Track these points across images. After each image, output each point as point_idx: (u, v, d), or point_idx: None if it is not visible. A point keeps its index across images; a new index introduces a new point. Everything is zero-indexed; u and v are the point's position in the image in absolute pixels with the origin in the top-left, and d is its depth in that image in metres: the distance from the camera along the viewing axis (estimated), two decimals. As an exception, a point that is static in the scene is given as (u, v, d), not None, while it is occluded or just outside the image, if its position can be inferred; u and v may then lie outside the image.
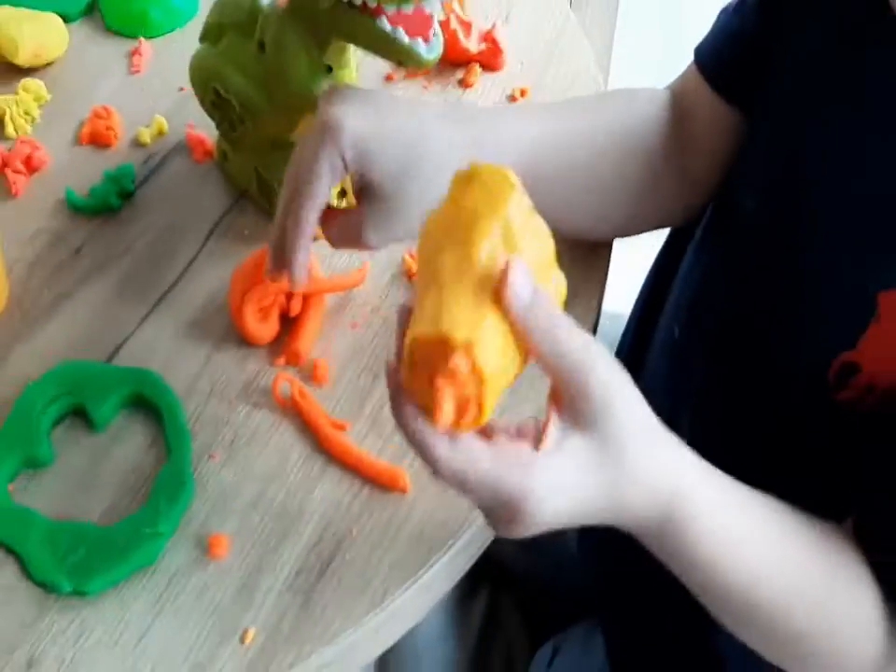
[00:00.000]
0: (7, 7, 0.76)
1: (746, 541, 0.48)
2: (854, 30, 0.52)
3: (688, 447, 0.47)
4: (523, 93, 0.74)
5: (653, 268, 0.77)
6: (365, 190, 0.53)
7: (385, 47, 0.56)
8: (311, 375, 0.59)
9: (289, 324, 0.60)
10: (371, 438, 0.56)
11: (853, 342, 0.51)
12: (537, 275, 0.40)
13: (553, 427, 0.41)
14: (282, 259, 0.54)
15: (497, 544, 0.92)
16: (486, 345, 0.38)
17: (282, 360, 0.59)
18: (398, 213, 0.53)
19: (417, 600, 0.52)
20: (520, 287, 0.38)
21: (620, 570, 0.79)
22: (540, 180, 0.50)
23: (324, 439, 0.56)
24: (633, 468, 0.42)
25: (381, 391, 0.58)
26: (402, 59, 0.56)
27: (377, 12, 0.54)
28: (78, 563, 0.50)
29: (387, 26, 0.55)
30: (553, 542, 0.88)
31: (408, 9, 0.54)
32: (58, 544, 0.51)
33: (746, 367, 0.58)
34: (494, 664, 0.89)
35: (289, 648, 0.49)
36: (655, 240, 0.74)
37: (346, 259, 0.64)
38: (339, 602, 0.50)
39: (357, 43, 0.57)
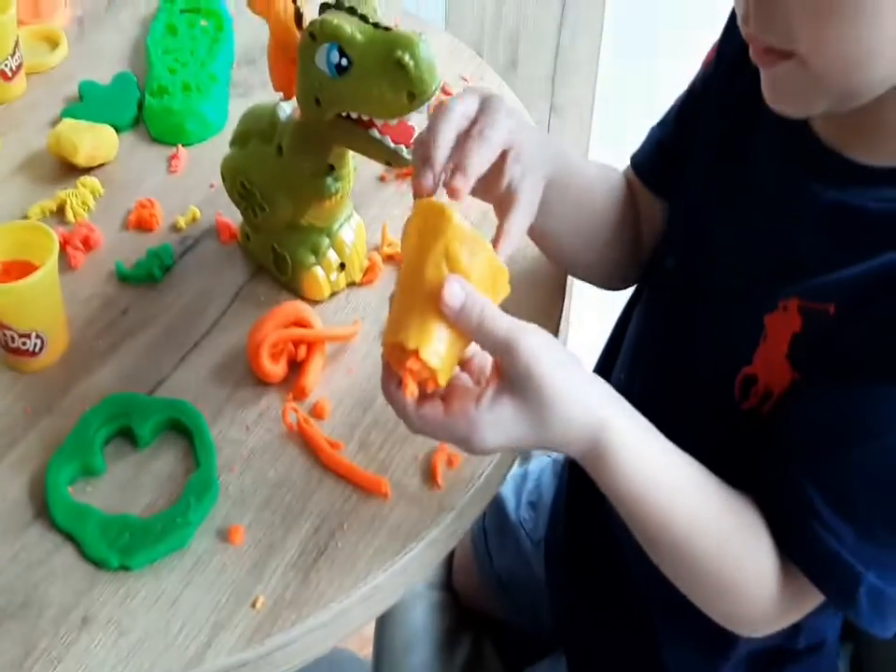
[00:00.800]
0: (69, 119, 0.93)
1: (665, 471, 0.61)
2: (743, 127, 0.70)
3: (619, 396, 0.61)
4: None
5: (612, 331, 0.92)
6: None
7: (375, 151, 0.71)
8: (313, 411, 0.72)
9: (297, 368, 0.75)
10: (360, 456, 0.70)
11: (750, 358, 0.65)
12: (477, 282, 0.55)
13: (490, 390, 0.56)
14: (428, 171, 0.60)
15: (479, 597, 1.03)
16: (431, 347, 0.55)
17: (290, 396, 0.73)
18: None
19: (395, 580, 0.64)
20: (450, 299, 0.54)
21: (581, 604, 0.90)
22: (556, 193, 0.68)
23: (322, 455, 0.69)
24: (557, 410, 0.56)
25: (369, 420, 0.72)
26: (389, 160, 0.72)
27: (369, 125, 0.70)
28: (124, 545, 0.63)
29: (377, 135, 0.70)
30: (528, 591, 0.99)
31: (393, 123, 0.70)
32: (108, 531, 0.64)
33: (673, 394, 0.72)
34: None
35: (291, 611, 0.61)
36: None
37: (344, 316, 0.79)
38: (331, 578, 0.63)
39: (354, 148, 0.73)
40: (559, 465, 1.01)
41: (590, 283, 0.84)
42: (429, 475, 0.68)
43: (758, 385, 0.64)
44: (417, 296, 0.55)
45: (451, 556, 1.10)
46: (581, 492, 0.89)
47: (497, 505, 1.04)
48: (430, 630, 1.02)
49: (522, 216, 0.64)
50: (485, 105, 0.63)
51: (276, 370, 0.73)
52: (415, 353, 0.54)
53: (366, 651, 1.18)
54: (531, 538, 1.01)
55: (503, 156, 0.63)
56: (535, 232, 0.71)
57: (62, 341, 0.76)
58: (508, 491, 1.05)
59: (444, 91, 0.99)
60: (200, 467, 0.68)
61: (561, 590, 0.93)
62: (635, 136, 0.83)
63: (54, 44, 1.05)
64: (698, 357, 0.69)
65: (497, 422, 0.56)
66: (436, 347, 0.55)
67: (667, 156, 0.79)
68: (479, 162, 0.60)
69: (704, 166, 0.73)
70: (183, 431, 0.70)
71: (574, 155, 0.74)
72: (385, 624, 1.04)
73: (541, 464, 1.06)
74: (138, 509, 0.66)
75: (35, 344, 0.73)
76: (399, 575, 0.64)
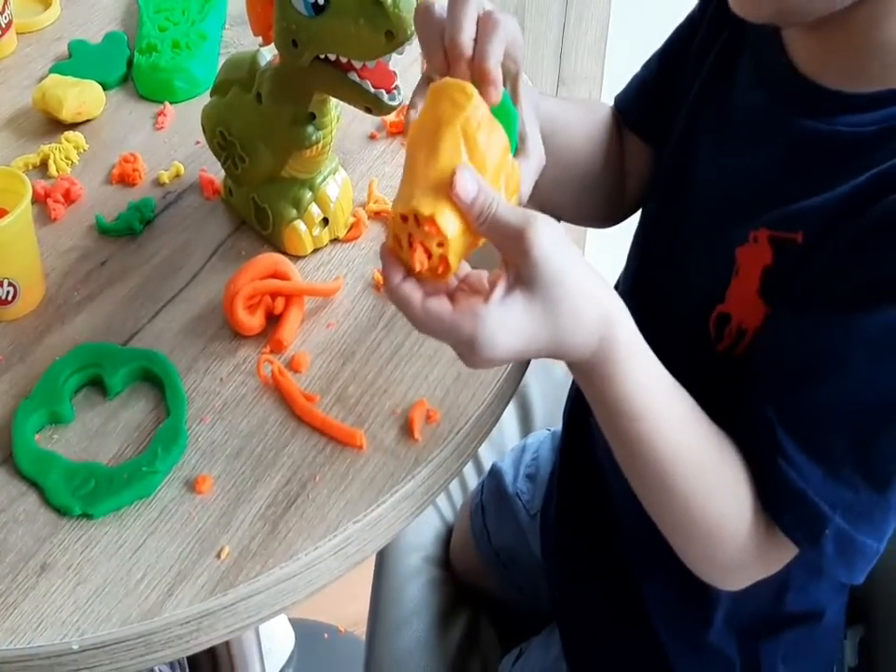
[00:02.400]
0: (56, 75, 0.91)
1: (660, 386, 0.59)
2: (724, 65, 0.69)
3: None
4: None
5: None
6: None
7: (355, 96, 0.69)
8: (290, 363, 0.70)
9: (275, 322, 0.73)
10: (337, 409, 0.67)
11: (722, 295, 0.64)
12: (490, 170, 0.53)
13: (500, 285, 0.52)
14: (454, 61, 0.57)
15: (478, 575, 1.01)
16: (446, 216, 0.52)
17: (267, 349, 0.71)
18: None
19: (366, 533, 0.62)
20: (462, 189, 0.51)
21: (575, 576, 0.88)
22: (553, 136, 0.67)
23: (297, 407, 0.67)
24: (570, 304, 0.53)
25: (347, 373, 0.70)
26: (370, 105, 0.69)
27: (348, 67, 0.68)
28: (88, 493, 0.62)
29: (357, 78, 0.68)
30: (526, 567, 0.97)
31: (371, 65, 0.68)
32: (73, 479, 0.62)
33: (652, 338, 0.70)
34: (471, 669, 0.98)
35: (256, 561, 0.59)
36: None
37: (326, 272, 0.77)
38: (300, 529, 0.61)
39: (334, 93, 0.71)
40: (557, 438, 0.99)
41: (574, 223, 0.82)
42: (407, 429, 0.66)
43: (731, 323, 0.63)
44: (431, 170, 0.52)
45: (448, 534, 1.08)
46: (577, 461, 0.87)
47: (495, 479, 1.02)
48: (426, 606, 1.01)
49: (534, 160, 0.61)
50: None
51: (252, 322, 0.71)
52: (430, 219, 0.51)
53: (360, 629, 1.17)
54: (528, 510, 0.99)
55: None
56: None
57: (37, 291, 0.74)
58: (506, 464, 1.03)
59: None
60: (169, 416, 0.66)
61: (556, 562, 0.91)
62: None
63: (46, 4, 1.04)
64: (674, 298, 0.67)
65: (507, 319, 0.52)
66: (452, 216, 0.52)
67: (650, 97, 0.78)
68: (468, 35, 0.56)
69: (687, 108, 0.72)
70: (155, 382, 0.68)
71: (552, 97, 0.75)
72: (379, 600, 1.03)
73: (540, 437, 1.04)
74: (106, 458, 0.64)
75: (8, 292, 0.71)
76: (371, 528, 0.62)
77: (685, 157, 0.71)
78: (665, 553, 0.64)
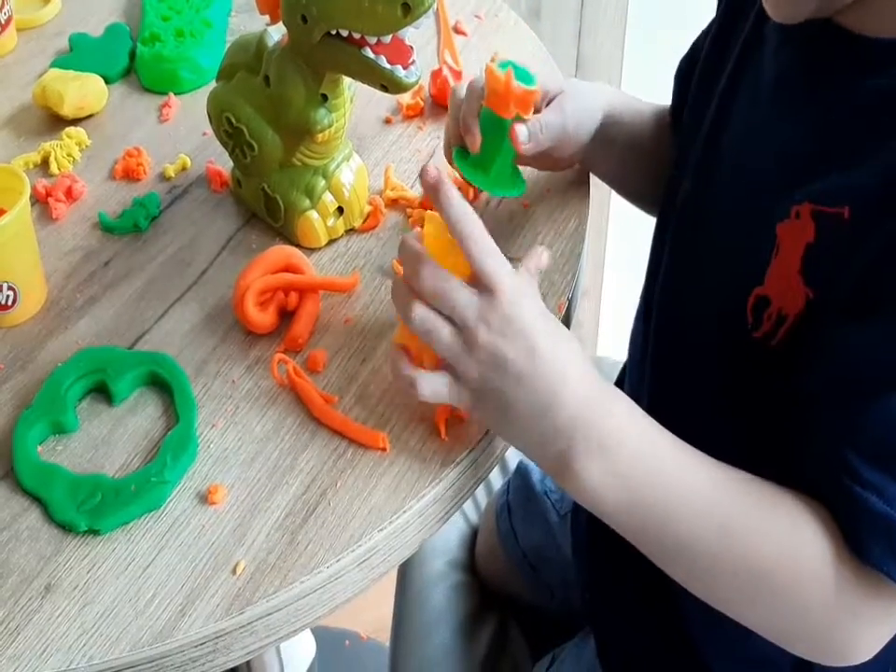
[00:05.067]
0: (56, 69, 0.87)
1: (661, 462, 0.55)
2: (757, 42, 0.64)
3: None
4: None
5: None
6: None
7: (369, 73, 0.65)
8: (307, 363, 0.66)
9: (289, 319, 0.68)
10: (357, 409, 0.63)
11: (762, 277, 0.58)
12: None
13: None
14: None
15: (505, 580, 0.97)
16: None
17: (281, 348, 0.67)
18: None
19: (392, 541, 0.57)
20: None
21: (607, 578, 0.83)
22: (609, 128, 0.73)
23: (315, 408, 0.62)
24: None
25: (367, 372, 0.65)
26: (385, 83, 0.65)
27: (361, 43, 0.64)
28: (94, 507, 0.57)
29: (371, 54, 0.64)
30: (556, 569, 0.93)
31: (386, 40, 0.63)
32: (77, 493, 0.58)
33: (685, 326, 0.65)
34: None
35: (274, 576, 0.55)
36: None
37: (342, 264, 0.72)
38: (321, 540, 0.56)
39: (347, 72, 0.67)
40: None
41: (640, 208, 0.84)
42: (433, 429, 0.61)
43: (770, 307, 0.58)
44: None
45: (473, 536, 1.04)
46: None
47: (521, 477, 0.98)
48: (452, 612, 0.97)
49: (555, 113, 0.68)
50: None
51: (264, 319, 0.67)
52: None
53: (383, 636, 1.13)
54: (557, 510, 0.95)
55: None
56: (593, 164, 0.76)
57: (38, 295, 0.70)
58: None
59: (457, 31, 0.93)
60: (179, 422, 0.62)
61: (588, 563, 0.87)
62: (665, 94, 0.79)
63: (46, -1, 1.00)
64: (706, 282, 0.62)
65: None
66: None
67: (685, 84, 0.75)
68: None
69: (725, 89, 0.68)
70: (163, 386, 0.64)
71: (629, 97, 0.78)
72: (403, 606, 0.99)
73: None
74: (112, 469, 0.60)
75: (8, 297, 0.67)
76: (396, 536, 0.57)
77: (718, 131, 0.66)
78: None
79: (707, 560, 0.55)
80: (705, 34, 0.76)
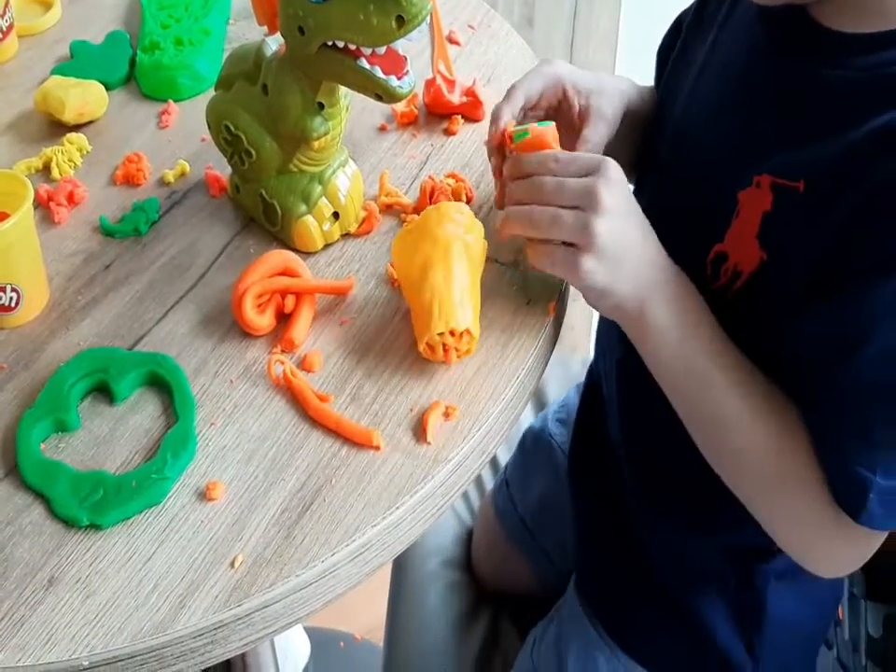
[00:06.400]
0: (58, 76, 0.89)
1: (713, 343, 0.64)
2: (728, 23, 0.72)
3: None
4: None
5: None
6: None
7: (364, 83, 0.67)
8: (302, 363, 0.68)
9: (286, 321, 0.70)
10: (352, 408, 0.65)
11: (722, 235, 0.65)
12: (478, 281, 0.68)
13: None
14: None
15: (501, 567, 0.99)
16: (473, 324, 0.65)
17: (278, 349, 0.69)
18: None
19: (386, 536, 0.59)
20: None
21: (596, 516, 0.88)
22: (631, 113, 0.76)
23: (310, 408, 0.64)
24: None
25: (361, 372, 0.67)
26: (380, 92, 0.67)
27: (357, 54, 0.65)
28: (96, 503, 0.59)
29: (366, 65, 0.66)
30: (555, 525, 0.95)
31: (381, 51, 0.65)
32: (79, 489, 0.60)
33: None
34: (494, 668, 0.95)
35: (271, 570, 0.56)
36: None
37: (338, 268, 0.74)
38: (316, 535, 0.58)
39: (343, 82, 0.69)
40: (581, 386, 0.98)
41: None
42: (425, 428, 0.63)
43: (728, 262, 0.65)
44: (453, 290, 0.64)
45: (467, 536, 1.06)
46: (598, 399, 0.88)
47: (524, 437, 1.03)
48: (446, 611, 0.99)
49: (601, 125, 0.72)
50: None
51: (262, 321, 0.69)
52: (466, 330, 0.64)
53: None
54: (563, 451, 0.99)
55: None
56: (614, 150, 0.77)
57: (41, 297, 0.72)
58: (532, 418, 1.04)
59: (451, 40, 0.95)
60: (178, 421, 0.63)
61: (584, 505, 0.90)
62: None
63: (47, 6, 1.02)
64: (673, 235, 0.66)
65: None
66: (474, 319, 0.65)
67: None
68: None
69: (697, 59, 0.74)
70: (162, 386, 0.66)
71: (639, 89, 0.81)
72: (397, 607, 1.01)
73: (568, 391, 1.04)
74: (113, 466, 0.62)
75: (11, 298, 0.69)
76: (389, 531, 0.59)
77: (693, 101, 0.72)
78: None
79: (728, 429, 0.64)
80: (686, 11, 0.81)
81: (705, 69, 0.73)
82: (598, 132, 0.72)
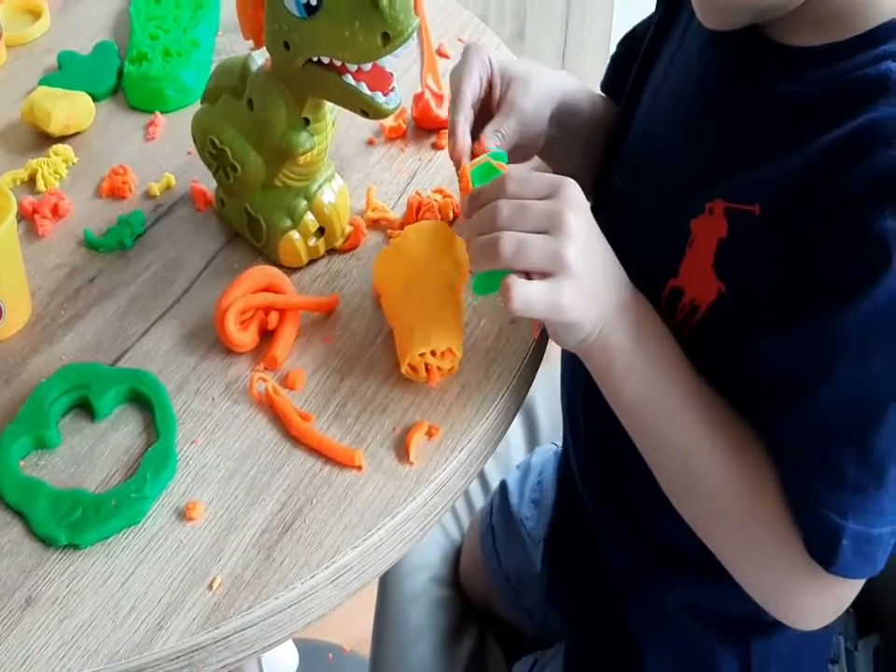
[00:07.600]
0: (44, 87, 0.89)
1: (674, 377, 0.60)
2: (681, 44, 0.70)
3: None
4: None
5: None
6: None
7: (350, 99, 0.66)
8: (285, 381, 0.67)
9: (269, 338, 0.70)
10: (334, 428, 0.64)
11: (676, 269, 0.62)
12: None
13: None
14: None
15: (488, 597, 0.98)
16: (456, 343, 0.64)
17: (261, 366, 0.68)
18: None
19: (367, 558, 0.59)
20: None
21: (573, 606, 0.86)
22: (568, 113, 0.73)
23: (292, 427, 0.64)
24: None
25: (345, 390, 0.66)
26: (365, 108, 0.67)
27: (343, 70, 0.65)
28: (74, 522, 0.59)
29: (351, 81, 0.66)
30: (534, 592, 0.94)
31: (366, 68, 0.65)
32: (58, 507, 0.59)
33: None
34: None
35: (249, 592, 0.56)
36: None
37: (323, 284, 0.74)
38: (296, 556, 0.58)
39: (328, 97, 0.69)
40: (559, 459, 0.96)
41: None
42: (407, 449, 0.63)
43: (684, 298, 0.62)
44: (434, 310, 0.65)
45: (455, 553, 1.05)
46: (573, 486, 0.84)
47: (504, 499, 0.99)
48: (433, 627, 0.98)
49: (511, 119, 0.68)
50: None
51: (245, 338, 0.68)
52: (448, 350, 0.64)
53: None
54: (532, 537, 0.96)
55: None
56: (546, 154, 0.76)
57: (23, 311, 0.72)
58: (512, 483, 0.99)
59: (440, 54, 0.95)
60: (159, 439, 0.63)
61: (560, 593, 0.89)
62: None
63: (36, 15, 1.01)
64: (630, 272, 0.63)
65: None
66: (458, 339, 0.65)
67: (622, 73, 0.79)
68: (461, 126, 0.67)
69: (654, 83, 0.72)
70: (144, 403, 0.66)
71: (582, 89, 0.77)
72: (383, 623, 1.00)
73: (545, 456, 1.00)
74: (93, 484, 0.62)
75: (-8, 313, 0.69)
76: (370, 553, 0.59)
77: (647, 130, 0.70)
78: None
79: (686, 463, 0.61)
80: (644, 26, 0.79)
81: (658, 91, 0.71)
82: (508, 125, 0.67)
